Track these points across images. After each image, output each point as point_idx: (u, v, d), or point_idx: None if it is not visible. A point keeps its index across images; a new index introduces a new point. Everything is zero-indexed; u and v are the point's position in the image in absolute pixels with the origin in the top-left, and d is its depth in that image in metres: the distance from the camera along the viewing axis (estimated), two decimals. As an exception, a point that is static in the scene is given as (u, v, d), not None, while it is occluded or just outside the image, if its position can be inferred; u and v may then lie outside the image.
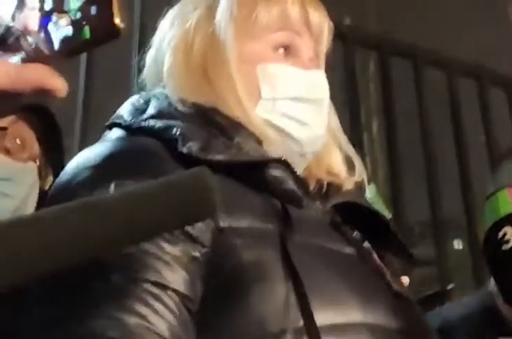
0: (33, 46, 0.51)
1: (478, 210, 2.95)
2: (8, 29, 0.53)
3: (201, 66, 0.89)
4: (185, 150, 0.77)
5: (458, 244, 3.99)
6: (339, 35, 3.04)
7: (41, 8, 0.52)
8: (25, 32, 0.52)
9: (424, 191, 3.04)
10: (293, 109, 0.89)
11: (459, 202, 3.07)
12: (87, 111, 2.38)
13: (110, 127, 0.87)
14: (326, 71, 0.99)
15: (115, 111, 0.90)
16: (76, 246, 0.48)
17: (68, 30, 0.51)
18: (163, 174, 0.70)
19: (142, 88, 0.95)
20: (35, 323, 0.66)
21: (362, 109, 3.76)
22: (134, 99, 0.89)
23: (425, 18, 3.82)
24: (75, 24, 0.51)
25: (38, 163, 1.17)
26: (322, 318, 0.69)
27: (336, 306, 0.72)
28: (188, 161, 0.75)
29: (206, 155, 0.77)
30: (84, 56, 2.36)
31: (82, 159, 0.78)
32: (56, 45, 0.51)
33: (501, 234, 0.82)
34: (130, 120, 0.84)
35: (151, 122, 0.82)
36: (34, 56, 0.51)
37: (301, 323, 0.68)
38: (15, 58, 0.51)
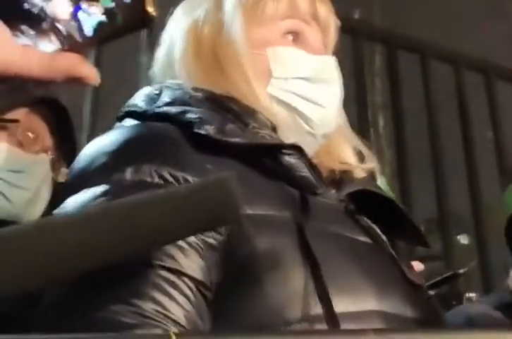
0: (65, 35, 0.51)
1: (485, 205, 2.95)
2: (43, 10, 0.52)
3: (212, 54, 0.90)
4: (202, 131, 0.77)
5: (464, 239, 3.98)
6: (347, 29, 3.07)
7: None
8: (56, 20, 0.52)
9: (431, 186, 3.03)
10: (305, 88, 0.90)
11: (466, 197, 3.06)
12: (96, 105, 2.38)
13: (121, 118, 0.88)
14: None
15: (123, 105, 0.91)
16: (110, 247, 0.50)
17: (100, 18, 0.51)
18: (180, 159, 0.73)
19: (152, 81, 0.95)
20: (54, 307, 0.67)
21: (368, 104, 3.75)
22: (147, 90, 0.89)
23: (432, 12, 3.80)
24: (108, 12, 0.51)
25: (50, 155, 1.19)
26: (338, 305, 0.70)
27: (352, 293, 0.73)
28: (205, 145, 0.76)
29: (222, 137, 0.77)
30: (92, 51, 2.36)
31: (98, 145, 0.79)
32: (88, 33, 0.51)
33: None
34: (146, 107, 0.85)
35: (166, 108, 0.82)
36: (67, 45, 0.51)
37: (319, 310, 0.69)
38: (49, 47, 0.51)
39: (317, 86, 0.90)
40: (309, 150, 0.88)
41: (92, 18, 0.51)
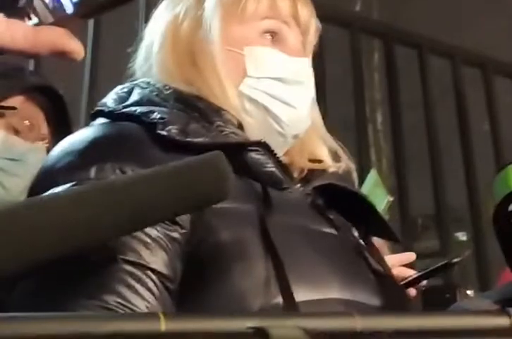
0: (49, 8, 0.51)
1: (482, 200, 2.93)
2: None
3: (187, 50, 0.91)
4: (164, 132, 0.79)
5: (461, 236, 3.98)
6: (344, 24, 3.05)
7: None
8: None
9: (428, 182, 3.02)
10: (277, 88, 0.90)
11: (463, 193, 3.05)
12: (92, 99, 2.38)
13: (94, 116, 0.90)
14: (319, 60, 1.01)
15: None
16: (84, 231, 0.50)
17: None
18: (144, 157, 0.74)
19: (131, 75, 0.97)
20: (21, 301, 0.69)
21: (366, 100, 3.71)
22: (117, 89, 0.91)
23: (431, 7, 3.79)
24: None
25: (46, 143, 1.19)
26: (300, 294, 0.71)
27: (314, 282, 0.75)
28: (168, 144, 0.77)
29: (185, 138, 0.79)
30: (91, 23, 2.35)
31: (66, 144, 0.81)
32: (71, 7, 0.51)
33: (511, 207, 0.82)
34: (113, 107, 0.87)
35: (133, 108, 0.84)
36: (50, 19, 0.51)
37: (279, 299, 0.71)
38: (31, 21, 0.51)
39: (289, 87, 0.91)
40: (279, 149, 0.89)
41: None
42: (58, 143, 1.19)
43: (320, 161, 0.95)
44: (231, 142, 0.82)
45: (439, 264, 1.14)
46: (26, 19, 0.51)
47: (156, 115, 0.81)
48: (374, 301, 0.79)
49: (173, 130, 0.79)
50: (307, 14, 0.96)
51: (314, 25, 0.98)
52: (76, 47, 0.52)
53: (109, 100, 0.89)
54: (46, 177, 0.78)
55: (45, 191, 0.73)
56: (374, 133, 4.63)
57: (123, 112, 0.84)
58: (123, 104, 0.86)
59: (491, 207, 0.86)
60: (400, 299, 0.86)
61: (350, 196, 0.93)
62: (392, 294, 0.83)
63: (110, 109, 0.86)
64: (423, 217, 4.12)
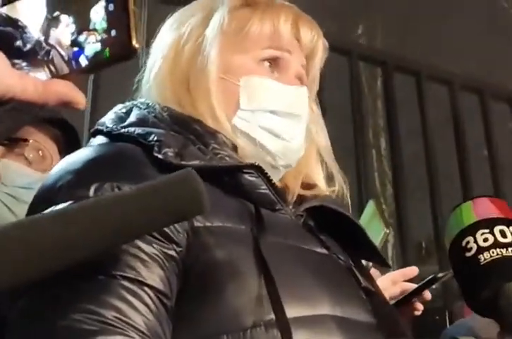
0: (64, 60, 0.55)
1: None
2: (39, 43, 0.56)
3: (184, 76, 0.91)
4: (160, 156, 0.80)
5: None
6: (344, 51, 3.09)
7: (74, 26, 0.56)
8: (59, 46, 0.55)
9: (428, 207, 3.03)
10: (270, 121, 0.90)
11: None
12: (94, 122, 2.41)
13: (94, 134, 0.91)
14: (320, 88, 1.01)
15: None
16: (69, 248, 0.55)
17: (95, 49, 0.54)
18: (141, 177, 0.75)
19: (136, 91, 0.97)
20: (22, 314, 0.69)
21: (369, 126, 3.75)
22: (117, 109, 0.92)
23: (428, 35, 3.83)
24: (102, 43, 0.54)
25: None
26: (292, 311, 0.72)
27: (306, 299, 0.75)
28: (165, 166, 0.78)
29: (181, 161, 0.80)
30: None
31: (65, 164, 0.82)
32: (82, 61, 0.55)
33: (464, 242, 0.84)
34: (112, 127, 0.88)
35: (131, 129, 0.85)
36: (66, 70, 0.55)
37: (272, 316, 0.72)
38: (41, 76, 0.56)
39: (283, 120, 0.91)
40: (273, 177, 0.89)
41: (88, 48, 0.54)
42: None
43: (314, 185, 0.96)
44: (226, 165, 0.83)
45: (426, 279, 1.16)
46: (46, 69, 0.56)
47: (153, 137, 0.82)
48: (365, 318, 0.80)
49: (169, 153, 0.80)
50: (312, 36, 0.95)
51: (320, 46, 0.96)
52: (81, 99, 0.55)
53: (108, 120, 0.89)
54: (46, 195, 0.79)
55: (44, 209, 0.73)
56: (377, 158, 4.66)
57: (120, 133, 0.85)
58: (122, 125, 0.86)
59: (447, 244, 0.88)
60: (391, 316, 0.86)
61: (340, 219, 0.93)
62: (383, 312, 0.84)
63: (108, 129, 0.87)
64: (427, 241, 4.12)
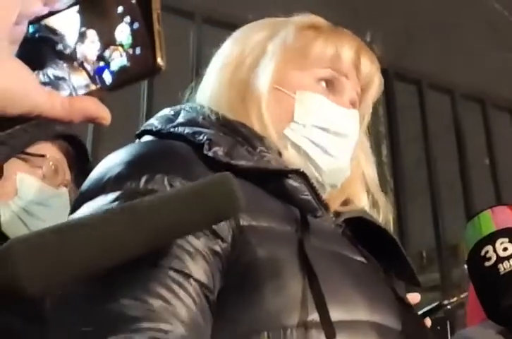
0: (91, 76, 0.56)
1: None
2: (74, 51, 0.56)
3: (243, 86, 0.93)
4: (210, 154, 0.82)
5: (464, 269, 3.95)
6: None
7: (99, 42, 0.56)
8: (86, 61, 0.56)
9: (430, 215, 3.04)
10: (321, 137, 0.92)
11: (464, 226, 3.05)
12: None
13: (140, 136, 0.92)
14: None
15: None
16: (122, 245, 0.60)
17: (119, 65, 0.54)
18: (191, 173, 0.78)
19: (189, 94, 1.00)
20: (71, 295, 0.71)
21: (371, 134, 3.75)
22: (165, 111, 0.94)
23: (430, 45, 3.84)
24: (127, 59, 0.54)
25: (69, 188, 1.24)
26: (333, 313, 0.74)
27: (346, 304, 0.77)
28: (214, 165, 0.80)
29: (230, 160, 0.82)
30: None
31: (114, 157, 0.83)
32: (108, 77, 0.55)
33: (483, 252, 0.85)
34: (161, 127, 0.89)
35: (180, 128, 0.87)
36: (93, 87, 0.56)
37: (315, 316, 0.73)
38: (81, 82, 0.56)
39: (333, 138, 0.92)
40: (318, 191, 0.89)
41: (114, 63, 0.54)
42: (78, 187, 1.24)
43: (350, 201, 0.96)
44: (272, 168, 0.85)
45: (430, 306, 1.15)
46: (82, 77, 0.56)
47: (203, 136, 0.84)
48: (399, 327, 0.82)
49: (219, 151, 0.82)
50: (371, 68, 0.96)
51: (377, 81, 0.98)
52: (106, 115, 0.56)
53: (156, 121, 0.91)
54: (94, 187, 0.80)
55: (92, 199, 0.76)
56: (379, 165, 4.65)
57: (170, 132, 0.87)
58: (170, 125, 0.88)
59: (466, 254, 0.89)
60: (422, 328, 0.90)
61: (375, 235, 0.93)
62: (415, 323, 0.86)
63: (157, 128, 0.89)
64: (428, 250, 4.12)
